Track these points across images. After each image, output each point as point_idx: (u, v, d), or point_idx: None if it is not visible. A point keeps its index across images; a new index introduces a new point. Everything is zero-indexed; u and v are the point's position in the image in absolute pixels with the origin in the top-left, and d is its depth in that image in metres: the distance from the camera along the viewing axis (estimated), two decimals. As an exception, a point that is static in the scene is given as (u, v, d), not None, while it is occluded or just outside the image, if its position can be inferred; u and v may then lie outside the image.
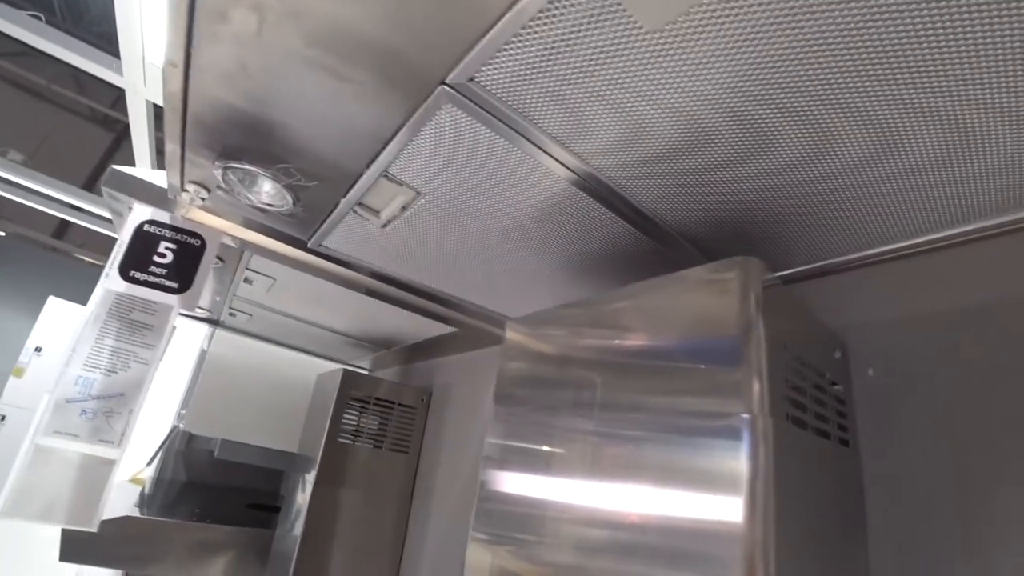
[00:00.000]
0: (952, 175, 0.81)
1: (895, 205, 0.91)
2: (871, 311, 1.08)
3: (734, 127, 0.79)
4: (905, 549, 0.91)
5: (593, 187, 0.99)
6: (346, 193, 1.14)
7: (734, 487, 0.66)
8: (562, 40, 0.68)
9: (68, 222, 5.24)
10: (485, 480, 1.09)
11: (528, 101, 0.80)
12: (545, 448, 0.99)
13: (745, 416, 0.67)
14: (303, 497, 2.07)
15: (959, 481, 0.87)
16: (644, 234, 1.11)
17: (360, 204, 1.19)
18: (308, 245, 1.45)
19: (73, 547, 1.88)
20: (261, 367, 2.74)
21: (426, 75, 0.78)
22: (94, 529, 1.13)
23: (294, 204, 1.23)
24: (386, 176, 1.07)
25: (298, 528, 2.01)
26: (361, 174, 1.07)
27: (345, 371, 2.10)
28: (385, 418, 2.20)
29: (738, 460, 0.66)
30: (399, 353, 2.49)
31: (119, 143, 6.22)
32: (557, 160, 0.92)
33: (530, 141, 0.87)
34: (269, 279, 1.85)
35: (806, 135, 0.78)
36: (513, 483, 1.05)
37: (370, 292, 1.65)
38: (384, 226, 1.25)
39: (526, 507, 0.96)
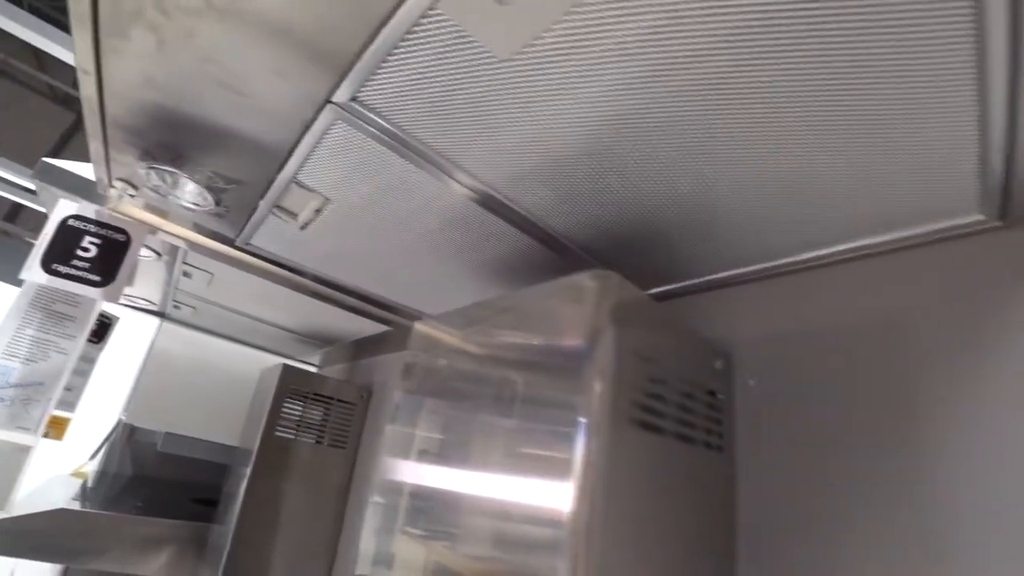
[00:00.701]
0: (822, 200, 0.89)
1: (771, 226, 0.99)
2: (756, 325, 1.16)
3: (607, 144, 0.85)
4: (774, 550, 0.99)
5: (486, 201, 1.05)
6: (263, 196, 1.19)
7: (568, 480, 0.73)
8: (431, 63, 0.74)
9: (21, 205, 5.13)
10: (402, 475, 1.13)
11: (408, 119, 0.85)
12: (449, 440, 1.05)
13: (582, 420, 0.74)
14: (239, 491, 2.09)
15: (819, 486, 0.96)
16: (542, 245, 1.18)
17: (278, 207, 1.24)
18: (236, 243, 1.48)
19: (3, 540, 1.89)
20: (208, 361, 2.76)
21: (313, 95, 0.83)
22: (3, 512, 1.16)
23: (217, 205, 1.28)
24: (296, 183, 1.12)
25: (232, 522, 2.04)
26: (273, 180, 1.12)
27: (285, 366, 2.13)
28: (325, 414, 2.24)
29: (573, 456, 0.73)
30: (345, 350, 2.53)
31: (79, 124, 6.11)
32: (446, 174, 0.98)
33: (418, 155, 0.94)
34: (207, 274, 1.88)
35: (681, 155, 0.84)
36: (432, 476, 1.08)
37: (301, 289, 1.69)
38: (303, 228, 1.30)
39: (441, 500, 1.01)
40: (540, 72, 0.74)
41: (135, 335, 2.83)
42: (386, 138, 0.92)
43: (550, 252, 1.21)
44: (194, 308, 2.34)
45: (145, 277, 2.12)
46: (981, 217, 0.85)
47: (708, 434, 1.00)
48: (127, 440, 2.67)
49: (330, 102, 0.85)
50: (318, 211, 1.22)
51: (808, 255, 1.06)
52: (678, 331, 1.00)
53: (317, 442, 2.22)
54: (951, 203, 0.85)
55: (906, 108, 0.70)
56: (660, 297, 1.35)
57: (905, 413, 0.90)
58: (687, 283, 1.26)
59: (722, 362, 1.11)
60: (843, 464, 0.94)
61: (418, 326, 1.28)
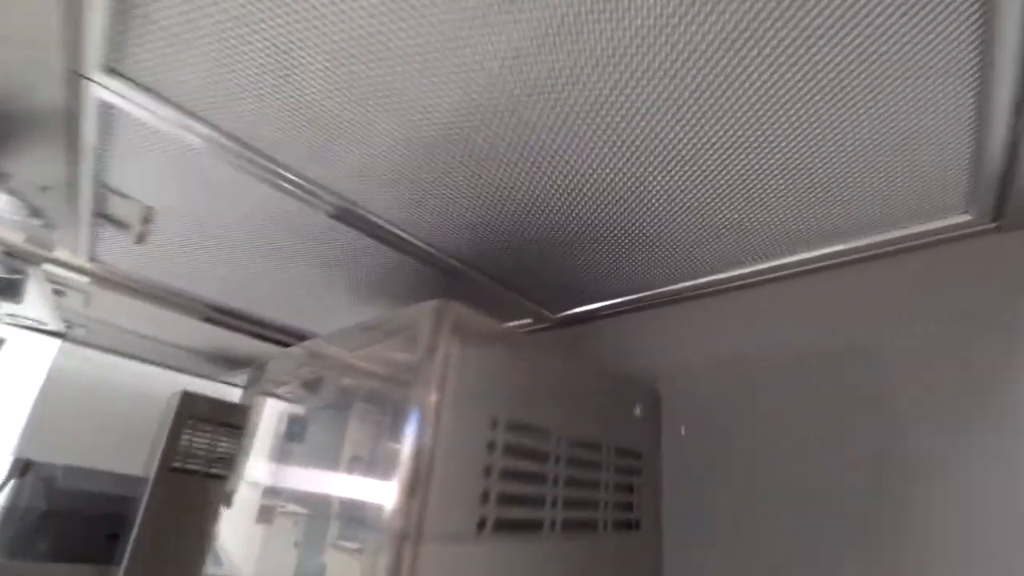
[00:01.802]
0: (777, 201, 0.71)
1: (712, 233, 0.81)
2: (691, 353, 0.97)
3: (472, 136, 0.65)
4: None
5: (342, 214, 0.86)
6: (75, 201, 0.97)
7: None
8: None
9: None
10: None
11: (196, 98, 0.65)
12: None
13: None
14: (133, 530, 1.86)
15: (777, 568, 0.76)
16: (425, 264, 0.98)
17: (102, 215, 1.02)
18: (87, 259, 1.26)
19: None
20: (116, 384, 2.50)
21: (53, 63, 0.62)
22: None
23: (32, 216, 1.05)
24: (106, 188, 0.91)
25: (124, 563, 1.81)
26: (77, 183, 0.90)
27: (185, 392, 1.90)
28: (230, 442, 2.01)
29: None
30: (261, 371, 2.30)
31: None
32: (271, 175, 0.78)
33: (223, 147, 0.73)
34: (80, 292, 1.64)
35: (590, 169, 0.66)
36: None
37: (173, 308, 1.47)
38: (139, 241, 1.08)
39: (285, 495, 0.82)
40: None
41: (32, 357, 2.55)
42: (181, 124, 0.71)
43: (436, 273, 1.02)
44: (86, 328, 2.08)
45: (25, 296, 1.88)
46: (969, 218, 0.69)
47: (618, 510, 0.80)
48: (24, 476, 2.41)
49: (83, 76, 0.64)
50: (147, 220, 1.00)
51: (759, 266, 0.88)
52: (579, 368, 0.79)
53: (215, 473, 1.99)
54: (937, 202, 0.68)
55: (895, 96, 0.53)
56: (570, 321, 1.15)
57: (887, 463, 0.72)
58: (601, 305, 1.07)
59: (643, 406, 0.91)
60: (810, 542, 0.75)
61: (279, 354, 1.09)
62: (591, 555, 0.72)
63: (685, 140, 0.63)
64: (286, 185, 0.82)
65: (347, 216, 0.88)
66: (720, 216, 0.77)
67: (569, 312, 1.13)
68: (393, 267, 1.03)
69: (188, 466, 1.93)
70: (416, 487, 0.52)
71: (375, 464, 0.58)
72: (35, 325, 2.21)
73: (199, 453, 1.94)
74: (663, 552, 0.87)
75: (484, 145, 0.68)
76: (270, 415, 0.96)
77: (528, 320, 1.22)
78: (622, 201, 0.76)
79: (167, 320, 1.85)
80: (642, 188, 0.73)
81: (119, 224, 1.05)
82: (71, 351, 2.46)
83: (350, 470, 0.62)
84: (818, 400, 0.78)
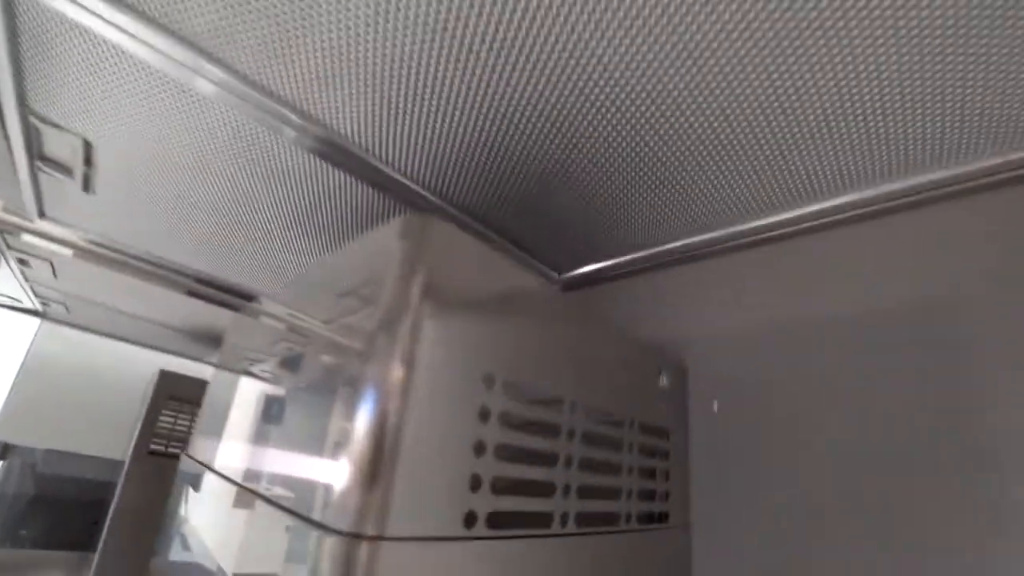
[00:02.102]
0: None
1: (750, 171, 0.65)
2: (724, 315, 0.82)
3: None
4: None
5: (328, 151, 0.71)
6: (5, 137, 0.82)
7: None
8: None
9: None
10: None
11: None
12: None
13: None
14: (107, 515, 1.74)
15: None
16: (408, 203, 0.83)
17: (41, 159, 0.87)
18: (37, 216, 1.12)
19: None
20: (98, 365, 2.37)
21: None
22: None
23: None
24: (33, 114, 0.76)
25: (99, 547, 1.70)
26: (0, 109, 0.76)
27: (162, 372, 1.77)
28: (219, 426, 1.87)
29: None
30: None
31: None
32: (239, 97, 0.62)
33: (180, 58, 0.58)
34: (43, 261, 1.50)
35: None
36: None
37: (140, 274, 1.33)
38: (86, 189, 0.93)
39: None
40: None
41: (10, 338, 2.43)
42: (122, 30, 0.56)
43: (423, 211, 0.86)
44: (64, 305, 1.95)
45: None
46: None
47: (643, 500, 0.65)
48: (5, 460, 2.30)
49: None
50: (88, 161, 0.86)
51: (804, 210, 0.73)
52: (594, 331, 0.64)
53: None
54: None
55: None
56: (579, 283, 1.00)
57: (969, 443, 0.57)
58: (615, 262, 0.91)
59: (669, 376, 0.76)
60: (868, 537, 0.61)
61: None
62: (611, 555, 0.58)
63: (727, 53, 0.48)
64: (251, 107, 0.67)
65: (329, 151, 0.73)
66: (760, 151, 0.62)
67: (578, 272, 0.98)
68: (378, 215, 0.88)
69: (169, 449, 1.79)
70: (375, 472, 0.38)
71: (324, 442, 0.43)
72: (9, 303, 2.08)
73: (180, 435, 1.81)
74: (692, 550, 0.72)
75: (473, 42, 0.53)
76: (228, 388, 0.81)
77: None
78: (642, 130, 0.61)
79: (147, 294, 1.71)
80: (670, 112, 0.57)
81: (59, 165, 0.90)
82: (51, 331, 2.33)
83: (302, 451, 0.48)
84: (880, 368, 0.63)
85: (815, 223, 0.74)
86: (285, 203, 0.91)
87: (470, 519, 0.43)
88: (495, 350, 0.48)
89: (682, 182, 0.71)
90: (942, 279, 0.63)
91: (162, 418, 1.80)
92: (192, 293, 1.43)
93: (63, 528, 2.36)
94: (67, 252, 1.30)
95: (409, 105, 0.64)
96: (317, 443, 0.44)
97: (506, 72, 0.57)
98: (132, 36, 0.59)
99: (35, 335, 2.32)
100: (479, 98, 0.62)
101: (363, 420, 0.39)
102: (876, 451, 0.62)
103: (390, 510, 0.38)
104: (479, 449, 0.44)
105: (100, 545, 1.68)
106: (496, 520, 0.45)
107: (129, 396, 2.45)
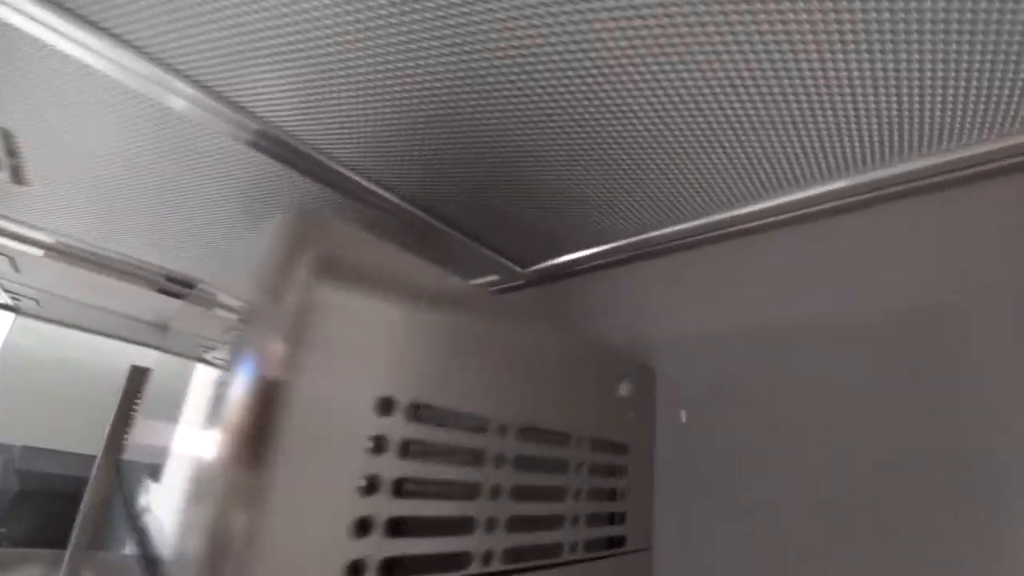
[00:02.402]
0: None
1: (727, 162, 0.57)
2: (694, 314, 0.75)
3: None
4: None
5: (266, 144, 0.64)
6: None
7: None
8: None
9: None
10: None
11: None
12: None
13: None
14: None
15: None
16: (366, 205, 0.76)
17: (-42, 146, 0.80)
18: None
19: None
20: (73, 360, 2.32)
21: None
22: None
23: None
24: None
25: (70, 546, 1.65)
26: None
27: (133, 367, 1.71)
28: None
29: None
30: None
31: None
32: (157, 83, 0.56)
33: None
34: (3, 256, 1.44)
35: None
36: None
37: (90, 266, 1.27)
38: (15, 179, 0.87)
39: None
40: None
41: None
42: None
43: (381, 216, 0.80)
44: (36, 301, 1.89)
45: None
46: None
47: (594, 525, 0.58)
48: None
49: None
50: (12, 152, 0.79)
51: (789, 198, 0.65)
52: (542, 333, 0.57)
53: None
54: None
55: None
56: (543, 277, 0.93)
57: (970, 460, 0.50)
58: (581, 255, 0.84)
59: (632, 384, 0.69)
60: (858, 561, 0.54)
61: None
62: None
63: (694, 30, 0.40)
64: (175, 97, 0.60)
65: (268, 143, 0.66)
66: (735, 136, 0.54)
67: (542, 265, 0.90)
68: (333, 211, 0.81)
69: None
70: (226, 520, 0.31)
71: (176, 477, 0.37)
72: (-23, 296, 2.03)
73: (155, 433, 1.74)
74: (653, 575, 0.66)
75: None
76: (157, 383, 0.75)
77: (494, 277, 1.00)
78: (607, 114, 0.54)
79: (114, 288, 1.66)
80: (635, 95, 0.50)
81: (-21, 156, 0.84)
82: (26, 326, 2.28)
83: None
84: (869, 372, 0.56)
85: (795, 213, 0.67)
86: (222, 194, 0.84)
87: (354, 570, 0.36)
88: (396, 369, 0.41)
89: (651, 170, 0.64)
90: (935, 274, 0.56)
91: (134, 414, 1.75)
92: (171, 293, 1.38)
93: (42, 525, 2.33)
94: (22, 247, 1.24)
95: (340, 88, 0.57)
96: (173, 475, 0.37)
97: (451, 55, 0.50)
98: (43, 24, 0.52)
99: (9, 330, 2.27)
100: (422, 85, 0.55)
101: (214, 466, 0.32)
102: (862, 463, 0.55)
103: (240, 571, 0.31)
104: (371, 486, 0.37)
105: (71, 544, 1.64)
106: (396, 568, 0.39)
107: (107, 391, 2.40)
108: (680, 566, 0.65)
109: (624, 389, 0.67)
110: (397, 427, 0.40)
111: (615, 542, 0.63)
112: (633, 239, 0.79)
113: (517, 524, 0.49)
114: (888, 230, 0.62)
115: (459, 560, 0.44)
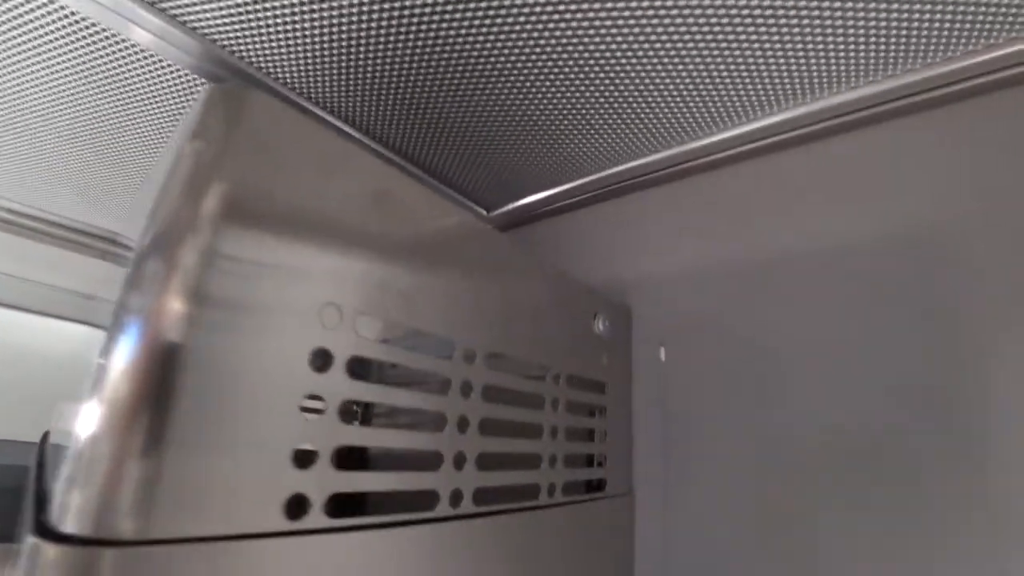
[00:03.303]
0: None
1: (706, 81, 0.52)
2: (672, 252, 0.70)
3: None
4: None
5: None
6: None
7: None
8: None
9: None
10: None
11: None
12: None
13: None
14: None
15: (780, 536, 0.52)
16: None
17: None
18: None
19: None
20: (18, 343, 2.17)
21: None
22: None
23: None
24: None
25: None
26: None
27: (76, 345, 1.59)
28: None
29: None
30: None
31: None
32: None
33: None
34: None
35: None
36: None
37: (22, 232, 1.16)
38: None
39: None
40: None
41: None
42: None
43: None
44: (-35, 275, 1.74)
45: None
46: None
47: (573, 466, 0.54)
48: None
49: None
50: None
51: (765, 122, 0.61)
52: (501, 266, 0.51)
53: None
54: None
55: None
56: (511, 221, 0.87)
57: (958, 394, 0.47)
58: (550, 193, 0.79)
59: (607, 320, 0.64)
60: (843, 499, 0.51)
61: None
62: (531, 536, 0.46)
63: None
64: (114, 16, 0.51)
65: (215, 67, 0.58)
66: (702, 59, 0.49)
67: (509, 207, 0.85)
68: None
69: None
70: (131, 440, 0.25)
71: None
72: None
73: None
74: (635, 523, 0.62)
75: None
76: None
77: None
78: (564, 40, 0.47)
79: (59, 260, 1.53)
80: (592, 19, 0.44)
81: None
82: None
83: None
84: (856, 305, 0.52)
85: (769, 140, 0.63)
86: (163, 134, 0.75)
87: (295, 507, 0.30)
88: (345, 272, 0.35)
89: (617, 100, 0.59)
90: (924, 199, 0.52)
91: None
92: (115, 258, 1.27)
93: (7, 518, 2.19)
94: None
95: (294, 8, 0.49)
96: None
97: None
98: None
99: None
100: (379, 14, 0.47)
101: (120, 365, 0.26)
102: (850, 399, 0.51)
103: (155, 499, 0.25)
104: (313, 409, 0.32)
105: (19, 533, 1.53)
106: (345, 506, 0.33)
107: (57, 376, 2.27)
108: (663, 510, 0.61)
109: (599, 327, 0.62)
110: (344, 339, 0.34)
111: (595, 486, 0.59)
112: (601, 174, 0.74)
113: (489, 461, 0.44)
114: (868, 154, 0.58)
115: (425, 499, 0.39)
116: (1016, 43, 0.47)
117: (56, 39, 0.57)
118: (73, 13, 0.53)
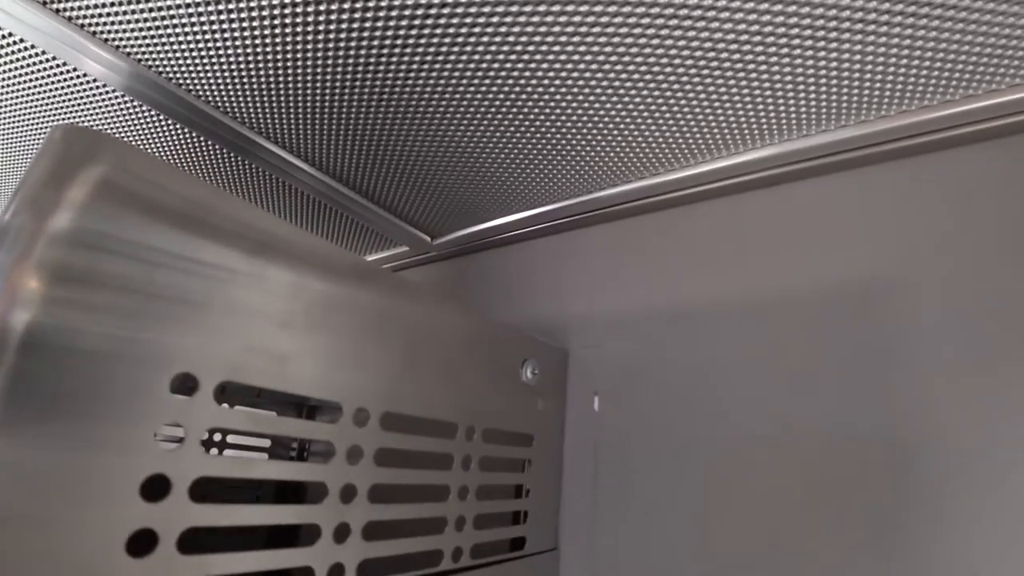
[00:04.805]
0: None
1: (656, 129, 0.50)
2: (608, 292, 0.68)
3: None
4: None
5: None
6: None
7: None
8: None
9: None
10: None
11: None
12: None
13: None
14: None
15: None
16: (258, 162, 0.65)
17: None
18: None
19: None
20: None
21: None
22: None
23: None
24: None
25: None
26: None
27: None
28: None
29: None
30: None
31: None
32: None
33: None
34: None
35: None
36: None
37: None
38: None
39: None
40: None
41: None
42: None
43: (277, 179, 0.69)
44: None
45: None
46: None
47: (489, 526, 0.51)
48: None
49: None
50: None
51: (719, 164, 0.59)
52: (428, 307, 0.48)
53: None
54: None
55: None
56: (453, 250, 0.85)
57: (901, 445, 0.45)
58: (495, 223, 0.76)
59: (538, 367, 0.62)
60: (786, 550, 0.49)
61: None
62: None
63: None
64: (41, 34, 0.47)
65: (146, 89, 0.54)
66: (661, 96, 0.47)
67: (453, 235, 0.82)
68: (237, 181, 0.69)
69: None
70: None
71: None
72: None
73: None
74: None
75: None
76: None
77: (404, 248, 0.91)
78: (527, 72, 0.45)
79: None
80: (546, 50, 0.42)
81: None
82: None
83: None
84: (799, 353, 0.51)
85: (722, 183, 0.61)
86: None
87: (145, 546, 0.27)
88: (207, 334, 0.31)
89: (569, 134, 0.57)
90: (866, 249, 0.51)
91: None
92: None
93: None
94: None
95: (231, 35, 0.46)
96: None
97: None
98: None
99: None
100: (324, 42, 0.45)
101: None
102: (789, 452, 0.49)
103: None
104: (161, 488, 0.28)
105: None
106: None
107: None
108: (589, 569, 0.59)
109: (528, 372, 0.60)
110: (203, 407, 0.31)
111: (514, 545, 0.56)
112: (546, 208, 0.72)
113: (380, 530, 0.41)
114: (825, 201, 0.57)
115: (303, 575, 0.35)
116: (991, 96, 0.46)
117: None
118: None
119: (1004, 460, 0.42)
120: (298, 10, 0.45)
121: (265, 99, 0.57)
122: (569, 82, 0.50)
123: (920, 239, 0.50)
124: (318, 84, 0.53)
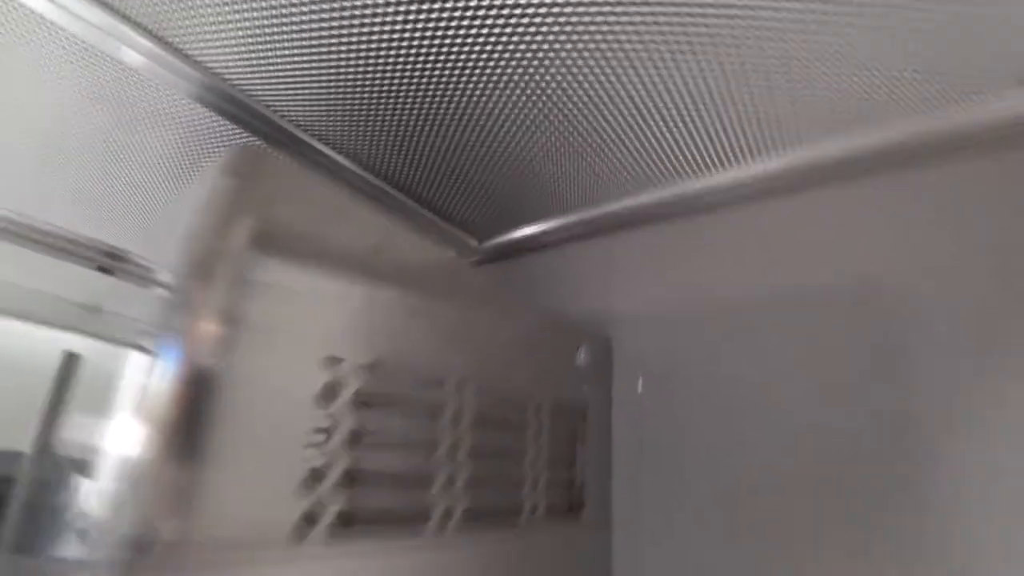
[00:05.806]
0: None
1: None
2: (653, 288, 0.75)
3: None
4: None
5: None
6: None
7: None
8: None
9: None
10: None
11: None
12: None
13: None
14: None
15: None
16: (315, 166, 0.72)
17: None
18: None
19: None
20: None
21: None
22: None
23: None
24: None
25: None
26: None
27: (67, 354, 1.60)
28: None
29: None
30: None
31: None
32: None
33: None
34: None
35: None
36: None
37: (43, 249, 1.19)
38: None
39: None
40: None
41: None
42: None
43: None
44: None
45: None
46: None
47: (554, 489, 0.58)
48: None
49: None
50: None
51: (742, 174, 0.66)
52: (499, 305, 0.56)
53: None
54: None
55: None
56: (500, 253, 0.92)
57: (905, 427, 0.52)
58: (540, 228, 0.83)
59: (589, 352, 0.69)
60: (801, 527, 0.55)
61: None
62: (511, 555, 0.50)
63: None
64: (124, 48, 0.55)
65: (214, 98, 0.62)
66: (703, 105, 0.54)
67: (500, 240, 0.89)
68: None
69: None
70: (165, 466, 0.29)
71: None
72: None
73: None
74: (612, 547, 0.66)
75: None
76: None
77: (451, 252, 0.98)
78: (573, 80, 0.53)
79: (49, 269, 1.54)
80: (596, 55, 0.49)
81: None
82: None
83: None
84: (823, 350, 0.57)
85: (759, 188, 0.68)
86: (164, 155, 0.79)
87: (306, 524, 0.34)
88: (347, 329, 0.39)
89: (612, 140, 0.64)
90: (893, 254, 0.57)
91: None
92: (111, 271, 1.30)
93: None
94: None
95: (294, 42, 0.54)
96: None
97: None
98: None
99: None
100: (379, 44, 0.52)
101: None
102: (812, 440, 0.56)
103: (191, 520, 0.29)
104: (324, 434, 0.36)
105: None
106: (347, 522, 0.37)
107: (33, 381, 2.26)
108: (635, 538, 0.65)
109: (582, 355, 0.67)
110: (349, 377, 0.38)
111: (575, 509, 0.63)
112: (591, 213, 0.79)
113: (476, 483, 0.48)
114: (846, 209, 0.63)
115: (419, 517, 0.42)
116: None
117: (71, 67, 0.61)
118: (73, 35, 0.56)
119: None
120: (371, 12, 0.52)
121: (311, 95, 0.64)
122: (611, 93, 0.57)
123: (954, 245, 0.55)
124: (369, 84, 0.60)
